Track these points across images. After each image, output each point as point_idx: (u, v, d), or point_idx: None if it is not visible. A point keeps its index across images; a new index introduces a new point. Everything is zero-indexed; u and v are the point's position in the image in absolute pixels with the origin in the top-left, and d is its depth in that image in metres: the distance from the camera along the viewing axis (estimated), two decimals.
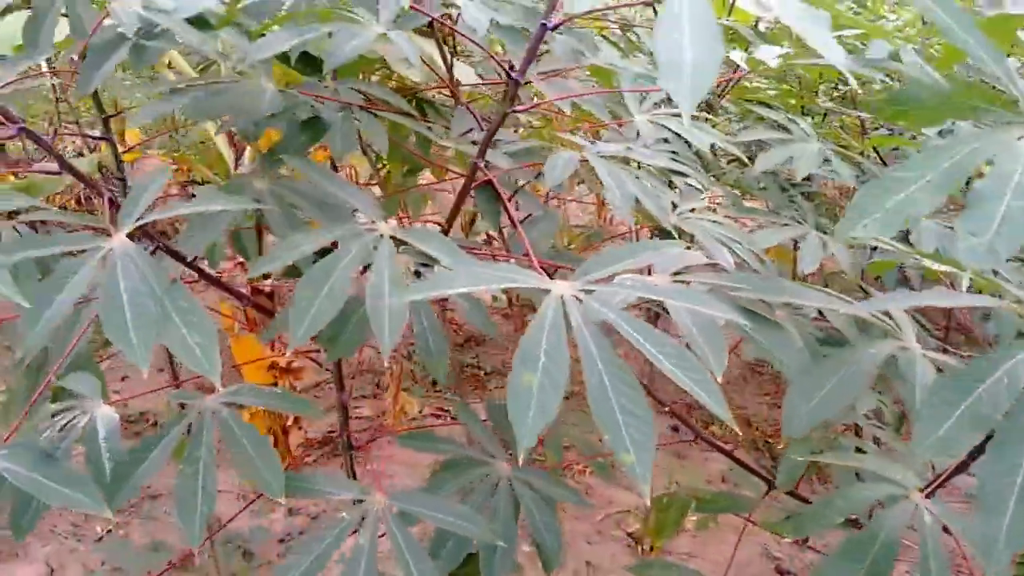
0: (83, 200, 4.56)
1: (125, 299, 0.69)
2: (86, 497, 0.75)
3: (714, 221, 1.20)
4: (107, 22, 1.11)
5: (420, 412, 3.07)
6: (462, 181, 1.04)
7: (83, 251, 0.73)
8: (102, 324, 0.67)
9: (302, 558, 0.90)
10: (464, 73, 1.47)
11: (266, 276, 2.58)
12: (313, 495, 0.93)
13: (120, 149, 1.41)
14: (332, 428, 3.50)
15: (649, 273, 0.86)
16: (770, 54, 1.05)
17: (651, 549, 2.93)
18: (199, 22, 0.81)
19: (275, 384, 2.93)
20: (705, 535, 3.02)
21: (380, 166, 2.75)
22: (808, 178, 2.06)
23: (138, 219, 0.78)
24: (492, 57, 0.89)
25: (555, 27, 0.86)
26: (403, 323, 0.77)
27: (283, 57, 1.03)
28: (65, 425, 1.04)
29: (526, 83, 1.16)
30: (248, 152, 2.89)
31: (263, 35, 0.87)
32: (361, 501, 0.96)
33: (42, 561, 2.51)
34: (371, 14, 0.87)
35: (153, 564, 2.56)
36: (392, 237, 0.86)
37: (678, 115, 1.24)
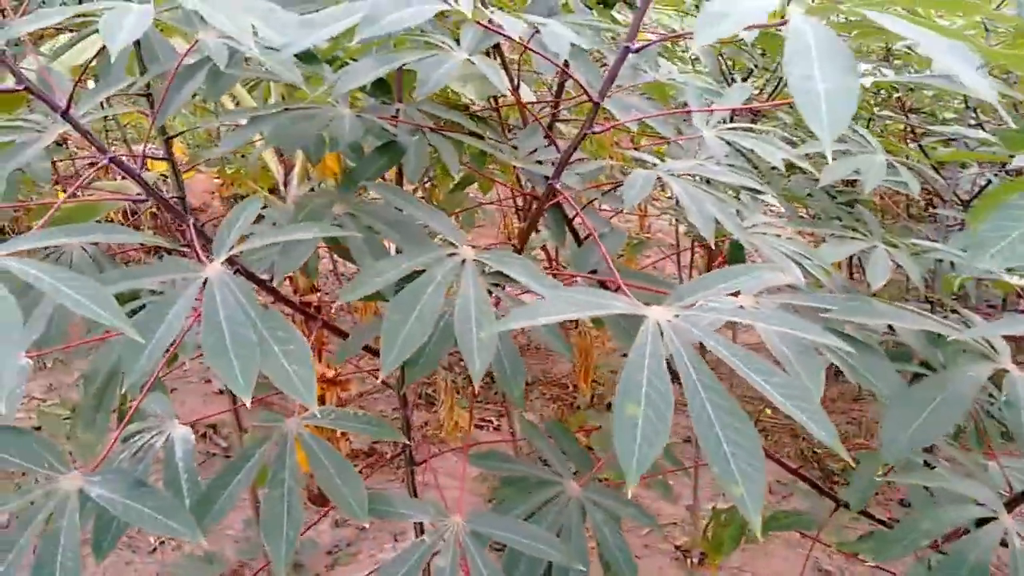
0: (128, 215, 4.65)
1: (226, 329, 0.69)
2: (180, 525, 0.75)
3: (780, 235, 1.18)
4: (179, 48, 1.13)
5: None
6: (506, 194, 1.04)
7: (180, 280, 0.74)
8: (205, 355, 0.68)
9: None
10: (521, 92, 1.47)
11: (315, 289, 2.61)
12: (394, 517, 0.93)
13: None
14: (376, 440, 3.52)
15: (736, 295, 0.85)
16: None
17: (700, 562, 2.90)
18: (306, 56, 0.82)
19: (323, 396, 2.96)
20: (753, 548, 2.98)
21: (424, 181, 2.77)
22: (852, 184, 2.04)
23: (231, 248, 0.79)
24: (571, 76, 0.89)
25: (638, 50, 0.85)
26: (493, 350, 0.77)
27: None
28: (142, 446, 1.06)
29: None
30: (297, 169, 2.92)
31: (345, 64, 0.87)
32: (439, 524, 0.96)
33: (100, 573, 2.55)
34: (451, 40, 0.88)
35: None
36: (475, 260, 0.86)
37: (745, 130, 1.23)
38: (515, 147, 1.20)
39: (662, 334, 0.68)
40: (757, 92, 2.43)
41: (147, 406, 1.20)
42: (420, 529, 1.15)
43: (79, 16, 0.75)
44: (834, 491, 3.80)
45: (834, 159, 1.36)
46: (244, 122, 0.97)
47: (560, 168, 0.97)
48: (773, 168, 2.13)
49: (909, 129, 2.42)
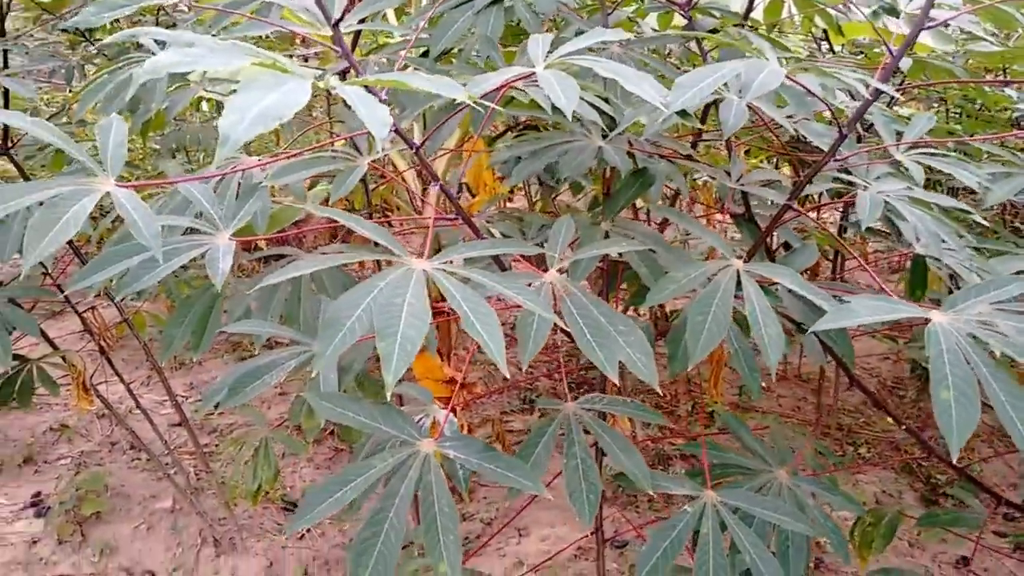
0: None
1: (581, 322, 0.87)
2: (526, 480, 0.93)
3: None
4: None
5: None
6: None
7: (536, 284, 0.92)
8: (578, 344, 0.85)
9: (659, 542, 1.06)
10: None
11: None
12: (665, 490, 1.10)
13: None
14: (488, 440, 3.69)
15: None
16: None
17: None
18: (682, 112, 0.99)
19: (450, 397, 3.16)
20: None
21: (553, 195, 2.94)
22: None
23: (562, 258, 0.96)
24: (828, 105, 1.04)
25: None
26: (782, 346, 0.93)
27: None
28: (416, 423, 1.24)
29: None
30: (433, 190, 3.12)
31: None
32: (696, 496, 1.12)
33: (261, 555, 2.78)
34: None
35: None
36: (747, 272, 1.02)
37: (936, 154, 1.36)
38: (728, 172, 1.36)
39: (955, 336, 0.83)
40: None
41: (410, 392, 1.40)
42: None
43: None
44: (939, 503, 3.79)
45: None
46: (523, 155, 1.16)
47: (798, 190, 1.13)
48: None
49: None
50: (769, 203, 1.59)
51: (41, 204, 0.73)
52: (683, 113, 1.00)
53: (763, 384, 4.50)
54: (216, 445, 3.46)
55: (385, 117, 0.51)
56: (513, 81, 0.79)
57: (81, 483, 2.95)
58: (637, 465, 1.05)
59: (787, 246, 1.41)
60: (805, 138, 1.98)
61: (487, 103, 0.74)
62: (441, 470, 0.95)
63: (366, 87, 0.54)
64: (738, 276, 1.00)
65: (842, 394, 4.15)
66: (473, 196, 2.49)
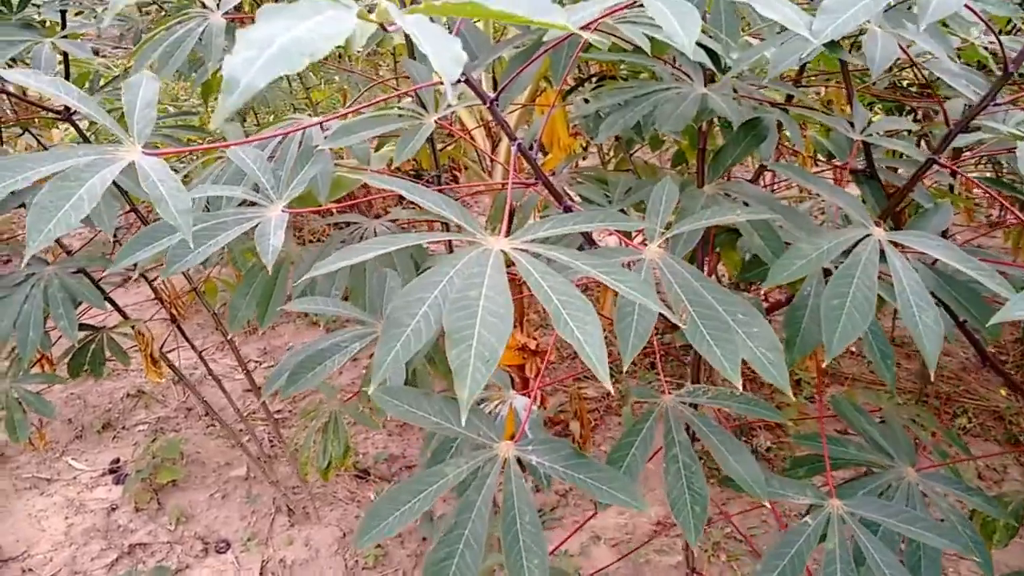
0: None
1: (692, 309, 0.72)
2: (622, 493, 0.79)
3: None
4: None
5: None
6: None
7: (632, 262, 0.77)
8: (689, 339, 0.70)
9: (776, 561, 0.91)
10: None
11: None
12: (782, 498, 0.94)
13: None
14: (560, 409, 3.58)
15: None
16: None
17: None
18: (831, 44, 0.82)
19: (523, 366, 3.04)
20: None
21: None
22: None
23: (662, 231, 0.81)
24: (995, 33, 0.84)
25: None
26: (942, 336, 0.75)
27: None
28: (490, 413, 1.12)
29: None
30: (504, 144, 2.96)
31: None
32: (819, 506, 0.96)
33: (335, 525, 2.75)
34: None
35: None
36: (891, 243, 0.84)
37: None
38: (851, 123, 1.16)
39: None
40: None
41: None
42: None
43: None
44: None
45: None
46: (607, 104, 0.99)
47: (947, 141, 0.93)
48: None
49: None
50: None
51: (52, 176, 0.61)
52: (831, 45, 0.82)
53: (851, 349, 4.24)
54: (289, 411, 3.44)
55: (457, 53, 0.37)
56: (616, 10, 0.63)
57: (158, 450, 2.97)
58: (749, 470, 0.89)
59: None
60: (903, 83, 1.74)
61: (584, 35, 0.59)
62: (523, 479, 0.82)
63: (431, 17, 0.40)
64: (880, 248, 0.82)
65: (940, 359, 3.88)
66: (546, 154, 2.33)
